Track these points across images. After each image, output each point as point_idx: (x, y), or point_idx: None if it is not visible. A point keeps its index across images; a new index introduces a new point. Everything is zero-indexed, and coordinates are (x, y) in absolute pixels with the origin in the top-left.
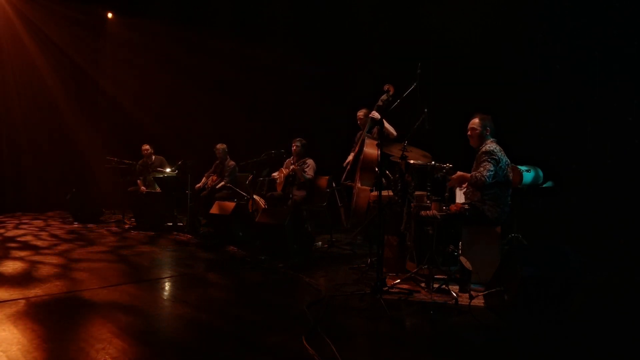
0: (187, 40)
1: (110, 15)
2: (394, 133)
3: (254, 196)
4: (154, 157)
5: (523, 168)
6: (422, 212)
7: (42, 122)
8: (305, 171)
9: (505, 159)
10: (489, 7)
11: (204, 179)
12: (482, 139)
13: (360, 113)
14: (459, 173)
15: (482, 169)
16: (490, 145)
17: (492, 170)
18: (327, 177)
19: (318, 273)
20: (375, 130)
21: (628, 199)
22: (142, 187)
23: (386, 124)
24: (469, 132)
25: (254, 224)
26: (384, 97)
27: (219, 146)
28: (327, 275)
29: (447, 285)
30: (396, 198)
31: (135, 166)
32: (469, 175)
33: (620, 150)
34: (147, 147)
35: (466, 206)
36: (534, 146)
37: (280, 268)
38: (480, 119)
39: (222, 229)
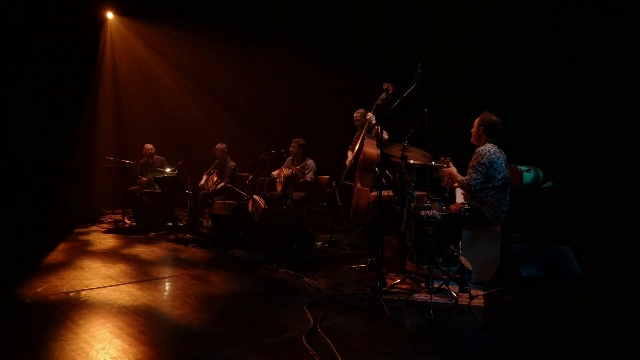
0: (187, 40)
1: (110, 14)
2: (385, 136)
3: (254, 196)
4: (155, 157)
5: (523, 168)
6: (422, 212)
7: (42, 121)
8: (305, 173)
9: (501, 160)
10: (489, 6)
11: (204, 177)
12: (479, 138)
13: (357, 114)
14: (452, 170)
15: (468, 176)
16: (485, 147)
17: (478, 179)
18: (327, 177)
19: (318, 273)
20: (374, 130)
21: (628, 198)
22: (143, 179)
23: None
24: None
25: (254, 224)
26: (383, 95)
27: (219, 146)
28: (327, 275)
29: (447, 285)
30: (396, 198)
31: (136, 166)
32: (459, 177)
33: (621, 150)
34: (151, 146)
35: (466, 206)
36: (534, 146)
37: (280, 268)
38: (479, 119)
39: (223, 229)
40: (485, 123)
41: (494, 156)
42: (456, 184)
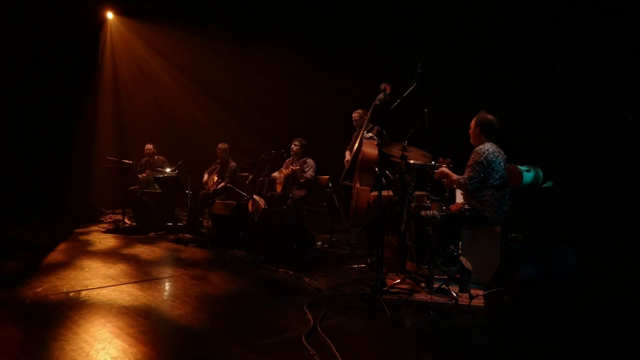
0: (188, 40)
1: (110, 14)
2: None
3: (254, 196)
4: (156, 157)
5: (523, 168)
6: (422, 212)
7: (42, 121)
8: (305, 171)
9: (499, 160)
10: (489, 6)
11: (205, 175)
12: (478, 138)
13: (355, 114)
14: (444, 169)
15: (466, 175)
16: (484, 146)
17: (475, 178)
18: (327, 177)
19: (318, 273)
20: (374, 130)
21: (628, 198)
22: (143, 175)
23: (367, 135)
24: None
25: (254, 224)
26: (380, 96)
27: (221, 146)
28: (327, 275)
29: (447, 285)
30: (396, 198)
31: (137, 166)
32: (455, 177)
33: (621, 150)
34: (151, 146)
35: (466, 206)
36: (534, 146)
37: (280, 268)
38: (476, 118)
39: (223, 229)
40: (481, 123)
41: (492, 155)
42: (454, 185)
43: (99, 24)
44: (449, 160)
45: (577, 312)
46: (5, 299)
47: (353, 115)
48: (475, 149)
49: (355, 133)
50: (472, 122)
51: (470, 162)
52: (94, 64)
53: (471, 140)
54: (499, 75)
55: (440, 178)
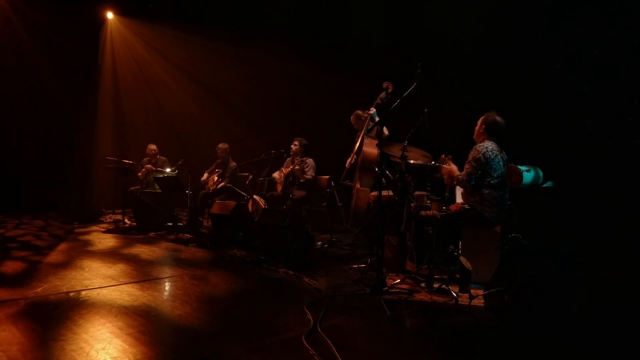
0: (188, 40)
1: (110, 14)
2: (386, 132)
3: (254, 196)
4: (158, 157)
5: (523, 168)
6: (422, 212)
7: (42, 122)
8: (305, 171)
9: (498, 159)
10: (489, 6)
11: (205, 175)
12: (481, 136)
13: (353, 117)
14: (452, 168)
15: (464, 171)
16: (483, 144)
17: (472, 174)
18: (327, 177)
19: (318, 273)
20: (375, 130)
21: (628, 199)
22: (142, 170)
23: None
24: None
25: (254, 224)
26: (382, 94)
27: (221, 146)
28: (327, 275)
29: (447, 285)
30: (396, 198)
31: (137, 165)
32: (456, 173)
33: (621, 150)
34: (154, 147)
35: (466, 206)
36: (534, 146)
37: (280, 268)
38: (483, 117)
39: (223, 229)
40: (487, 122)
41: (490, 153)
42: (454, 181)
43: (99, 24)
44: (450, 156)
45: (577, 312)
46: (5, 299)
47: (351, 118)
48: (475, 146)
49: (358, 134)
50: (480, 120)
51: (469, 158)
52: (94, 64)
53: (474, 137)
54: (499, 75)
55: (448, 175)
